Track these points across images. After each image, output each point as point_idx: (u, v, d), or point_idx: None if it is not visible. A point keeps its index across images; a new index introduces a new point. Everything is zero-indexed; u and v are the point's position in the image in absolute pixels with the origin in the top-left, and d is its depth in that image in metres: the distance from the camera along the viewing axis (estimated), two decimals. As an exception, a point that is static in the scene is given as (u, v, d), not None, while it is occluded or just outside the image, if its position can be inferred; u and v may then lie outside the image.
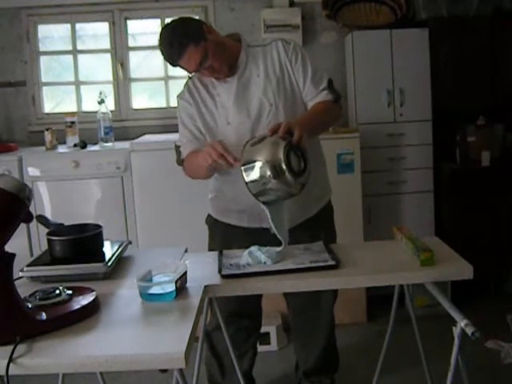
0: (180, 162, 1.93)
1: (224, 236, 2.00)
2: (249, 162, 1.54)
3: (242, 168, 1.55)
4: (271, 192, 1.56)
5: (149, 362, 1.14)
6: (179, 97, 1.94)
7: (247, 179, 1.55)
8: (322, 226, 1.98)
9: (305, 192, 1.60)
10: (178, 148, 1.93)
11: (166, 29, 1.80)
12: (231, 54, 1.84)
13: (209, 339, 2.20)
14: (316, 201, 1.99)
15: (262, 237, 1.74)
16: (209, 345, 2.22)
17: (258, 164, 1.52)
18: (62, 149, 3.20)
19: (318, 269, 1.56)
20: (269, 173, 1.50)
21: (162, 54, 1.80)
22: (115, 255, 1.66)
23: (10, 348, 1.13)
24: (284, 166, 1.49)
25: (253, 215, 1.86)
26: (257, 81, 1.84)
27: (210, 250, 2.00)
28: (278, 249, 1.65)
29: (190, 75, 1.91)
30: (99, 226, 1.73)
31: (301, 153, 1.56)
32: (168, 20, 1.86)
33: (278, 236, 1.66)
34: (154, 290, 1.40)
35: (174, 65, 1.81)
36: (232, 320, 2.09)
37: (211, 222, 2.07)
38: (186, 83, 1.94)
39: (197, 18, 2.24)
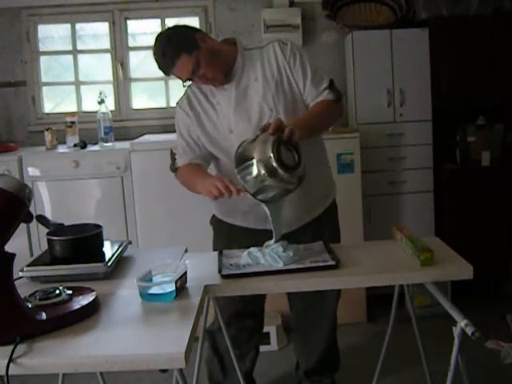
0: (174, 169, 1.93)
1: (229, 236, 2.00)
2: (243, 163, 1.54)
3: (236, 170, 1.55)
4: (269, 189, 1.55)
5: (149, 362, 1.14)
6: (178, 104, 1.93)
7: (243, 180, 1.54)
8: (326, 226, 1.99)
9: (310, 193, 1.60)
10: (173, 155, 1.94)
11: (159, 38, 1.79)
12: (227, 61, 1.83)
13: (212, 338, 2.20)
14: (321, 201, 1.99)
15: (265, 238, 1.74)
16: (212, 344, 2.22)
17: (252, 163, 1.52)
18: (61, 149, 3.20)
19: (317, 269, 1.56)
20: (263, 171, 1.50)
21: (156, 62, 1.80)
22: (115, 255, 1.66)
23: (10, 348, 1.13)
24: (275, 164, 1.48)
25: (259, 216, 1.86)
26: (255, 85, 1.83)
27: (215, 250, 1.99)
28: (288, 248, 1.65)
29: (185, 84, 1.88)
30: (99, 226, 1.73)
31: (293, 146, 1.55)
32: (168, 20, 1.86)
33: (273, 230, 1.65)
34: (154, 290, 1.41)
35: (167, 74, 1.82)
36: (236, 320, 2.10)
37: (216, 222, 2.07)
38: (186, 92, 1.93)
39: (196, 18, 2.25)
